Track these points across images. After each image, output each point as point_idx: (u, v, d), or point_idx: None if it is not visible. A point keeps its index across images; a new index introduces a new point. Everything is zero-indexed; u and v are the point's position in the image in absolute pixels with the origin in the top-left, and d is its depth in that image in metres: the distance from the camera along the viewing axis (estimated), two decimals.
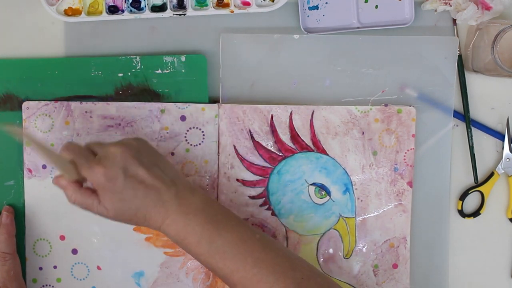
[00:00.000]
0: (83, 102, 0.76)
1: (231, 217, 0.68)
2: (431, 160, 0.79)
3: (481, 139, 0.80)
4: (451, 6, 0.77)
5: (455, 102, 0.79)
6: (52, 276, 0.78)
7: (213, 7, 0.77)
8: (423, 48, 0.78)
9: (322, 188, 0.78)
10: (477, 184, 0.80)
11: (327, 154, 0.78)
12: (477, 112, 0.80)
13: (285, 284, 0.64)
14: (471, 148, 0.80)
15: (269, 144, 0.78)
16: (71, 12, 0.77)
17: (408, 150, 0.78)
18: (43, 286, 0.78)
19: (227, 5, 0.78)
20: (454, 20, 0.79)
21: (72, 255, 0.78)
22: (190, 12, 0.77)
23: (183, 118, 0.77)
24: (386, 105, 0.78)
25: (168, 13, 0.77)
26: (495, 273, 0.82)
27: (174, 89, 0.77)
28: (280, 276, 0.65)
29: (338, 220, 0.78)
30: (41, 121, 0.76)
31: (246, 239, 0.66)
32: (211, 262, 0.66)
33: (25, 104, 0.76)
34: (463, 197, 0.80)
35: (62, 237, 0.77)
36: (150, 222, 0.66)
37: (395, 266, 0.79)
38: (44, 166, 0.76)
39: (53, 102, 0.76)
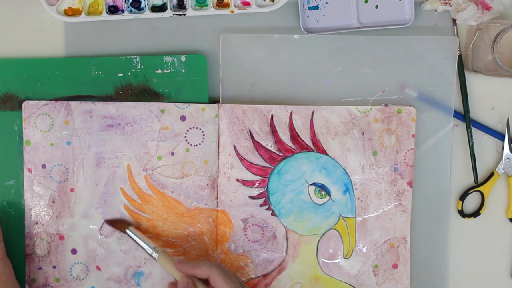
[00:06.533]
0: (83, 102, 0.76)
1: None
2: (431, 160, 0.79)
3: (481, 139, 0.80)
4: (451, 6, 0.77)
5: (455, 102, 0.79)
6: (52, 276, 0.78)
7: (213, 7, 0.77)
8: (423, 48, 0.78)
9: (322, 188, 0.78)
10: (477, 184, 0.80)
11: (327, 154, 0.78)
12: (477, 112, 0.80)
13: None
14: (471, 148, 0.80)
15: (269, 144, 0.78)
16: (71, 12, 0.77)
17: (408, 150, 0.78)
18: (42, 286, 0.78)
19: (227, 5, 0.78)
20: (454, 20, 0.79)
21: (71, 255, 0.78)
22: (190, 12, 0.77)
23: (183, 118, 0.77)
24: (386, 105, 0.78)
25: (168, 13, 0.77)
26: (495, 273, 0.81)
27: (174, 89, 0.77)
28: None
29: (338, 220, 0.78)
30: (41, 121, 0.76)
31: None
32: None
33: (25, 104, 0.76)
34: (463, 197, 0.80)
35: (62, 237, 0.77)
36: None
37: (395, 266, 0.79)
38: (43, 166, 0.76)
39: (53, 101, 0.76)
